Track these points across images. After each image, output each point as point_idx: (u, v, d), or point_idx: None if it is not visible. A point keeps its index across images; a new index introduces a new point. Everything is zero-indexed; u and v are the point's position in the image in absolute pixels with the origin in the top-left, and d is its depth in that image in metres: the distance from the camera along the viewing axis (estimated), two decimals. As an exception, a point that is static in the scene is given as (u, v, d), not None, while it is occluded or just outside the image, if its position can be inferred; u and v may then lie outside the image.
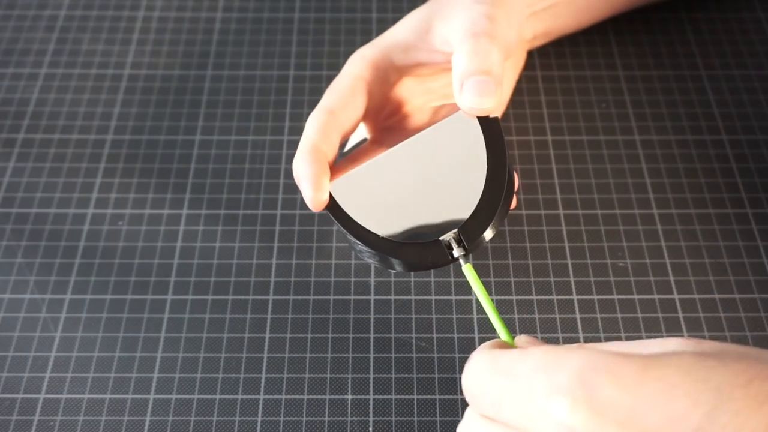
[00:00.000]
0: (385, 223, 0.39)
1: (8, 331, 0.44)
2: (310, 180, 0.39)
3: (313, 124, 0.41)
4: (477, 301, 0.45)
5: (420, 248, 0.38)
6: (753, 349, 0.26)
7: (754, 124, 0.53)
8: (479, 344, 0.43)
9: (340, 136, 0.41)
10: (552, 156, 0.51)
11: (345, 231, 0.39)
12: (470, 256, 0.38)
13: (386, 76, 0.43)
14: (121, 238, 0.48)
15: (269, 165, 0.51)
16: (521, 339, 0.33)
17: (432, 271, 0.46)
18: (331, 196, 0.40)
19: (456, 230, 0.38)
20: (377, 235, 0.39)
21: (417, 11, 0.44)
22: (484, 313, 0.44)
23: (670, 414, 0.23)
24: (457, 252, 0.38)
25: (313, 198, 0.39)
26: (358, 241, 0.39)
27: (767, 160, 0.51)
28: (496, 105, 0.38)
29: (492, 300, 0.36)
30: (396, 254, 0.38)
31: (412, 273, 0.46)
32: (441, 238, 0.38)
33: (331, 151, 0.41)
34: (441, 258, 0.38)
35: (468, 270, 0.37)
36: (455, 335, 0.43)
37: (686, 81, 0.56)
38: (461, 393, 0.41)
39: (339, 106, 0.41)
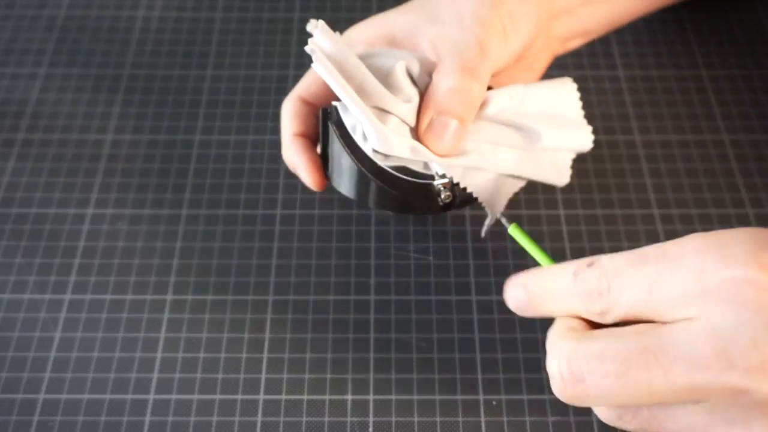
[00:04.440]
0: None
1: (8, 331, 0.44)
2: (303, 168, 0.41)
3: (286, 113, 0.42)
4: (477, 301, 0.45)
5: (413, 185, 0.38)
6: None
7: (755, 124, 0.53)
8: (480, 344, 0.43)
9: (316, 117, 0.42)
10: (552, 156, 0.51)
11: (347, 151, 0.38)
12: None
13: None
14: (121, 238, 0.48)
15: (269, 165, 0.51)
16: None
17: (432, 271, 0.46)
18: (337, 113, 0.38)
19: (449, 179, 0.37)
20: (375, 163, 0.37)
21: (419, 5, 0.43)
22: (485, 312, 0.44)
23: None
24: (444, 200, 0.37)
25: (313, 181, 0.41)
26: (355, 161, 0.37)
27: (768, 160, 0.51)
28: (454, 148, 0.38)
29: (546, 252, 0.35)
30: (391, 185, 0.37)
31: (412, 269, 0.46)
32: (435, 183, 0.38)
33: (314, 132, 0.42)
34: (430, 201, 0.38)
35: (515, 230, 0.36)
36: (455, 335, 0.43)
37: (687, 81, 0.56)
38: (461, 393, 0.41)
39: (310, 93, 0.42)
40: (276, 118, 0.54)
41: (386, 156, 0.37)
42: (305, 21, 0.61)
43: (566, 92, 0.39)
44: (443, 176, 0.37)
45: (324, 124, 0.39)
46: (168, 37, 0.60)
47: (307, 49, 0.36)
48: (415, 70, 0.38)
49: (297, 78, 0.56)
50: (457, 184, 0.37)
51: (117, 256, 0.47)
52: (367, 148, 0.37)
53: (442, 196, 0.37)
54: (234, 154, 0.52)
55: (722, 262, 0.24)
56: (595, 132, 0.53)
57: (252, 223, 0.48)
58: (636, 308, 0.26)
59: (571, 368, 0.26)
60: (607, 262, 0.28)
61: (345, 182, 0.39)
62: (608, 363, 0.25)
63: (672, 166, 0.51)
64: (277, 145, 0.52)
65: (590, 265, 0.28)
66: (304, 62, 0.57)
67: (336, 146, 0.38)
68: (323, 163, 0.40)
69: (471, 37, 0.39)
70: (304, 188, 0.50)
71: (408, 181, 0.38)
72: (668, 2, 0.54)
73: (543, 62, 0.47)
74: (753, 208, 0.48)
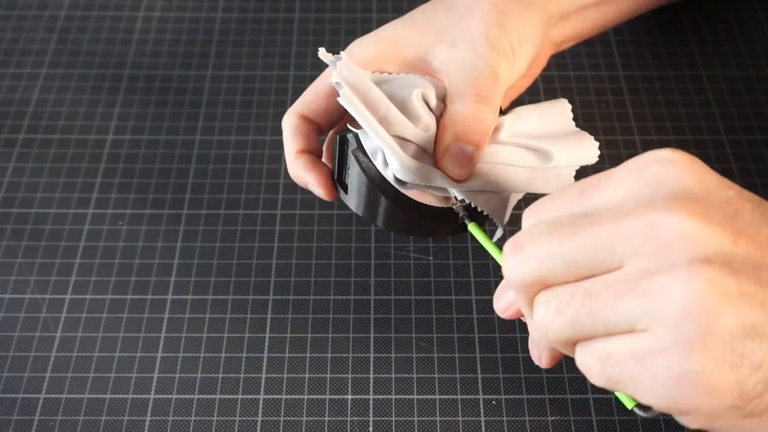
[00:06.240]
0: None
1: (8, 331, 0.44)
2: (315, 183, 0.40)
3: (287, 129, 0.41)
4: (477, 301, 0.45)
5: (432, 210, 0.38)
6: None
7: (754, 124, 0.53)
8: (479, 344, 0.43)
9: (319, 133, 0.42)
10: (552, 156, 0.51)
11: (369, 178, 0.38)
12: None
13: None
14: (121, 238, 0.48)
15: (269, 165, 0.51)
16: None
17: (432, 271, 0.46)
18: (357, 140, 0.38)
19: (468, 203, 0.38)
20: (398, 191, 0.38)
21: (424, 18, 0.42)
22: (485, 312, 0.44)
23: None
24: (466, 221, 0.38)
25: (326, 195, 0.41)
26: (377, 189, 0.38)
27: (767, 160, 0.51)
28: (470, 173, 0.39)
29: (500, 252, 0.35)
30: (411, 210, 0.38)
31: (412, 269, 0.46)
32: (453, 206, 0.38)
33: (316, 148, 0.41)
34: (453, 224, 0.39)
35: (474, 229, 0.37)
36: (455, 335, 0.43)
37: (686, 81, 0.56)
38: (461, 393, 0.41)
39: (311, 110, 0.41)
40: (276, 118, 0.54)
41: (406, 182, 0.38)
42: (305, 21, 0.61)
43: (563, 110, 0.40)
44: (462, 201, 0.38)
45: (341, 150, 0.40)
46: (168, 37, 0.60)
47: (332, 81, 0.36)
48: (431, 97, 0.39)
49: (297, 78, 0.57)
50: (475, 208, 0.38)
51: (117, 256, 0.47)
52: (388, 174, 0.38)
53: (460, 217, 0.38)
54: (234, 155, 0.52)
55: (641, 156, 0.28)
56: (595, 132, 0.53)
57: (252, 223, 0.48)
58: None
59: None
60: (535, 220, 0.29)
61: (367, 208, 0.39)
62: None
63: (671, 167, 0.51)
64: (277, 145, 0.52)
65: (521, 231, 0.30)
66: (304, 62, 0.58)
67: (356, 173, 0.39)
68: (338, 185, 0.41)
69: (484, 63, 0.39)
70: (304, 188, 0.50)
71: (428, 206, 0.39)
72: (657, 4, 0.55)
73: (538, 68, 0.47)
74: (752, 208, 0.48)
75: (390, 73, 0.41)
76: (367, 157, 0.38)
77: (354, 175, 0.39)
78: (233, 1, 0.62)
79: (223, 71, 0.57)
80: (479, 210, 0.38)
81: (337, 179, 0.41)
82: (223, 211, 0.49)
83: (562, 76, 0.56)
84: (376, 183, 0.38)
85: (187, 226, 0.48)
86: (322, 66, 0.57)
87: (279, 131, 0.53)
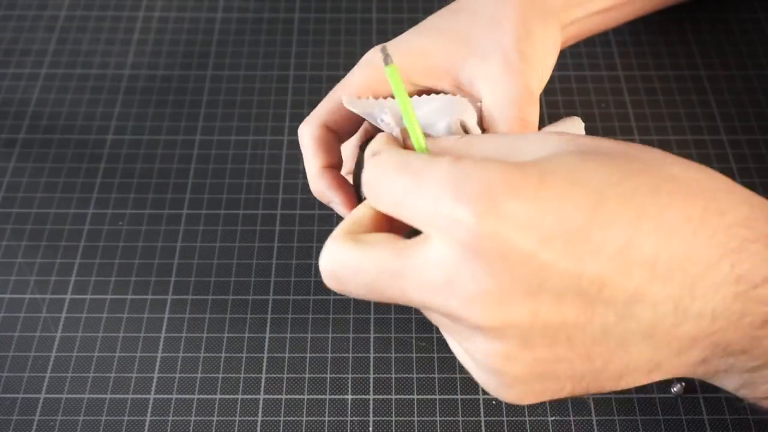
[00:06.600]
0: None
1: (8, 331, 0.44)
2: (341, 203, 0.39)
3: (309, 140, 0.39)
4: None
5: None
6: (620, 144, 0.30)
7: (754, 124, 0.53)
8: (479, 344, 0.43)
9: (341, 143, 0.40)
10: (552, 156, 0.51)
11: None
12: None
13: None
14: (121, 238, 0.48)
15: (269, 165, 0.51)
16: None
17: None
18: None
19: None
20: None
21: (447, 27, 0.41)
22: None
23: (560, 218, 0.27)
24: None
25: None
26: None
27: (767, 160, 0.51)
28: None
29: (412, 106, 0.33)
30: None
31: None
32: None
33: (338, 161, 0.40)
34: None
35: (391, 72, 0.33)
36: (455, 335, 0.43)
37: (686, 81, 0.56)
38: (461, 393, 0.41)
39: (333, 120, 0.39)
40: (276, 118, 0.54)
41: None
42: (305, 21, 0.61)
43: (578, 130, 0.40)
44: None
45: None
46: (168, 37, 0.60)
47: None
48: (471, 123, 0.37)
49: (297, 78, 0.57)
50: None
51: (117, 256, 0.47)
52: None
53: None
54: (234, 155, 0.52)
55: (454, 199, 0.27)
56: (595, 132, 0.53)
57: (252, 223, 0.48)
58: (393, 211, 0.29)
59: (334, 270, 0.30)
60: (385, 157, 0.30)
61: None
62: (360, 277, 0.29)
63: (671, 167, 0.51)
64: (277, 145, 0.52)
65: (374, 154, 0.31)
66: (304, 62, 0.58)
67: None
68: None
69: (520, 80, 0.38)
70: (305, 188, 0.50)
71: None
72: (661, 6, 0.55)
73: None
74: (752, 208, 0.48)
75: (420, 94, 0.39)
76: None
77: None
78: (233, 1, 0.62)
79: (223, 71, 0.57)
80: None
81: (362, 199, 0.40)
82: (223, 211, 0.49)
83: (562, 76, 0.56)
84: None
85: (187, 226, 0.48)
86: (321, 66, 0.57)
87: (279, 131, 0.53)
